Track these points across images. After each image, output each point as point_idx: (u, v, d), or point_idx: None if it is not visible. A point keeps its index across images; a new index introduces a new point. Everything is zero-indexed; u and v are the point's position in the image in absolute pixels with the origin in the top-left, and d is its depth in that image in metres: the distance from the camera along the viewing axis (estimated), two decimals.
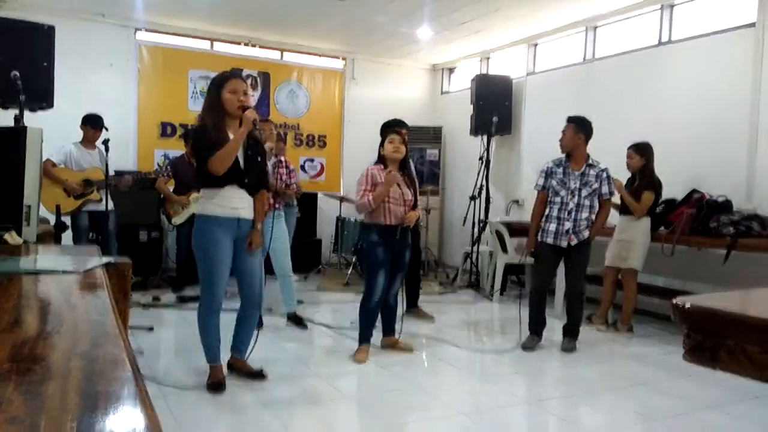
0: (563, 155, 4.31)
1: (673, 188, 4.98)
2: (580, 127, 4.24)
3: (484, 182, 6.70)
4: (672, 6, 5.52)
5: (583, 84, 6.37)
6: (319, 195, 7.59)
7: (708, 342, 1.39)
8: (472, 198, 6.61)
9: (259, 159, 3.30)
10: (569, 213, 4.20)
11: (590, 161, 4.25)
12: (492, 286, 6.17)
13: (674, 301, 1.63)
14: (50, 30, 5.10)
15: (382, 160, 3.98)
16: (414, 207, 3.95)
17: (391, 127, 4.98)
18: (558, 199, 4.24)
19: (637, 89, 5.71)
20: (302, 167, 7.93)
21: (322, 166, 8.06)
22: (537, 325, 4.35)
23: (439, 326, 4.93)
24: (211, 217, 3.13)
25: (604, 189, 4.24)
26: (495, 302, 6.01)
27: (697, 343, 1.41)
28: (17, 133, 2.57)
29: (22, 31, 4.98)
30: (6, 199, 2.53)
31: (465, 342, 4.46)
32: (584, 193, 4.20)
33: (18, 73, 4.75)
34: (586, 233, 4.22)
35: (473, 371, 3.91)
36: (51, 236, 3.21)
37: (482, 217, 6.71)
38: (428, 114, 8.57)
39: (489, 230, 6.45)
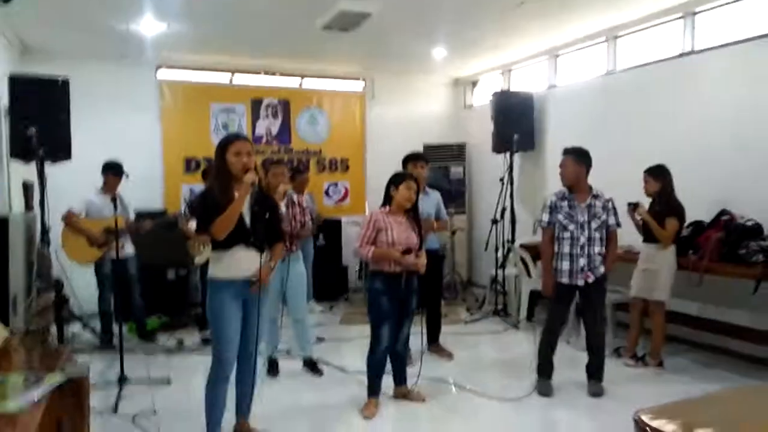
0: (564, 188, 4.08)
1: (700, 208, 4.70)
2: (580, 159, 4.00)
3: (508, 202, 6.51)
4: (694, 14, 5.21)
5: (604, 97, 6.12)
6: (343, 220, 7.53)
7: None
8: (494, 222, 6.42)
9: (268, 215, 3.20)
10: (582, 248, 3.97)
11: (594, 192, 4.02)
12: (519, 312, 5.99)
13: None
14: (65, 84, 5.21)
15: (389, 200, 3.89)
16: (419, 249, 3.84)
17: (411, 160, 4.86)
18: (567, 234, 4.00)
19: (661, 101, 5.42)
20: (326, 192, 7.91)
21: (346, 189, 8.02)
22: (546, 369, 4.17)
23: (459, 366, 4.78)
24: (219, 281, 3.09)
25: (612, 220, 4.00)
26: (521, 331, 5.81)
27: None
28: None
29: (38, 86, 5.11)
30: None
31: (482, 386, 4.22)
32: (594, 225, 3.97)
33: (35, 130, 4.90)
34: (602, 269, 4.00)
35: (487, 425, 3.71)
36: (51, 310, 3.25)
37: (509, 237, 6.51)
38: (452, 130, 8.40)
39: (513, 254, 6.26)
